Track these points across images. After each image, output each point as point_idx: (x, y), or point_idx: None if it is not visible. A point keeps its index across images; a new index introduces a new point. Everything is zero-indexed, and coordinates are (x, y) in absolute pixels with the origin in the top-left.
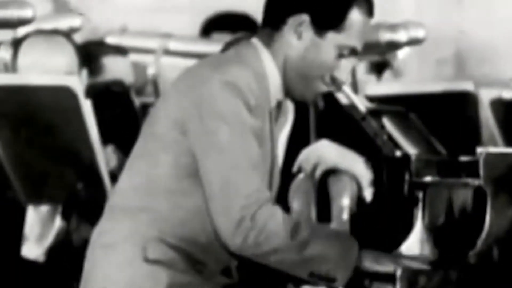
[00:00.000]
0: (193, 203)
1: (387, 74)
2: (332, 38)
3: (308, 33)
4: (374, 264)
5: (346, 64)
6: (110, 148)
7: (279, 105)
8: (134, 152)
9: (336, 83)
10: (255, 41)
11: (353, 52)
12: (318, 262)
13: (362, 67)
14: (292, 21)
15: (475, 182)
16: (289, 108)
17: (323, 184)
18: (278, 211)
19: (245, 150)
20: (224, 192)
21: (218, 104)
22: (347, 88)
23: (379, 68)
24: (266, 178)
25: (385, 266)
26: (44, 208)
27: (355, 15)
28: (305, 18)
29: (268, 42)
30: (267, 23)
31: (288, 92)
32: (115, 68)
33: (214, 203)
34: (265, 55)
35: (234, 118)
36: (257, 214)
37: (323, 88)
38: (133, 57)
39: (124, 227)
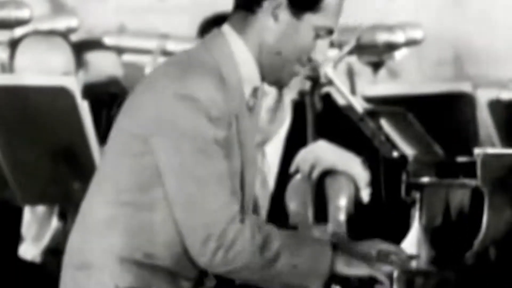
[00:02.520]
0: (160, 216)
1: (383, 73)
2: (309, 19)
3: (285, 15)
4: (347, 268)
5: (322, 44)
6: None
7: (255, 92)
8: (101, 165)
9: (313, 63)
10: (226, 28)
11: (330, 32)
12: (289, 275)
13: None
14: (268, 3)
15: (472, 183)
16: (269, 92)
17: (320, 184)
18: (246, 227)
19: (209, 165)
20: (189, 211)
21: (178, 120)
22: (343, 88)
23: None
24: (237, 185)
25: (358, 270)
26: (41, 209)
27: None
28: (281, 0)
29: (241, 28)
30: (241, 6)
31: (263, 77)
32: (103, 64)
33: (180, 222)
34: (236, 43)
35: (195, 132)
36: (225, 232)
37: (300, 70)
38: (131, 57)
39: (93, 246)
